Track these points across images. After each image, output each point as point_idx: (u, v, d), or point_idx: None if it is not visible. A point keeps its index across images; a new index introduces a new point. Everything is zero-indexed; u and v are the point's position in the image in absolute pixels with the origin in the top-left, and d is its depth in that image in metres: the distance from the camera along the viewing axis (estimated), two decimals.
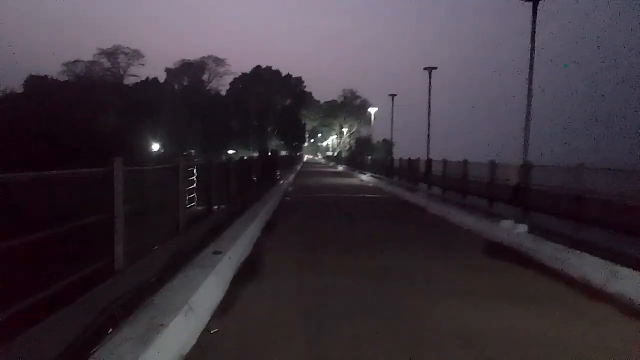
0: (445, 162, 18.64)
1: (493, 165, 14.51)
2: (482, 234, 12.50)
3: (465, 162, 16.58)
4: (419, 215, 16.76)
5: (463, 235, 12.71)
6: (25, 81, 79.76)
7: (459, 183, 17.10)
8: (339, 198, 22.95)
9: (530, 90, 13.28)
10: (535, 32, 13.33)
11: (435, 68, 24.81)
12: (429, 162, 21.26)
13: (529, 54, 13.51)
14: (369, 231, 13.10)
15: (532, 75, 13.34)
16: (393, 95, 36.89)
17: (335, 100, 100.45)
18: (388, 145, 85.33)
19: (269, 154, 24.49)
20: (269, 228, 13.18)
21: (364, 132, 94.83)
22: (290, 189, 28.25)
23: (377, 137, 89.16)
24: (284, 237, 11.94)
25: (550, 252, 9.05)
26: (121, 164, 5.62)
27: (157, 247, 7.15)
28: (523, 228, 11.29)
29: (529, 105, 13.27)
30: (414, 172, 23.06)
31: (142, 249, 6.54)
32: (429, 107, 24.72)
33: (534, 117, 14.15)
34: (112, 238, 5.55)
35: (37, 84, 77.47)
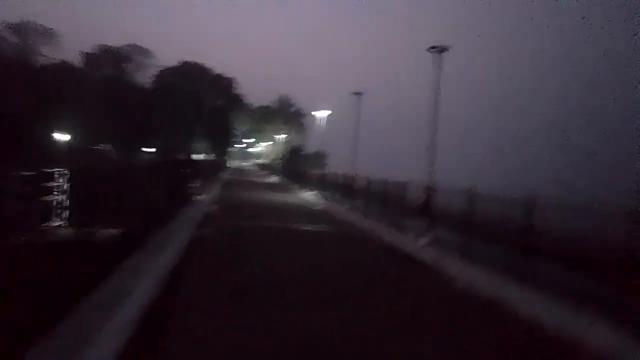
0: (470, 194, 10.71)
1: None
2: None
3: (532, 200, 8.78)
4: (438, 293, 8.66)
5: None
6: None
7: (508, 232, 9.30)
8: (287, 234, 14.47)
9: None
10: None
11: (446, 49, 15.89)
12: (430, 190, 12.96)
13: None
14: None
15: None
16: (357, 94, 27.24)
17: (269, 106, 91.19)
18: (320, 156, 78.32)
19: (180, 160, 15.26)
20: None
21: (296, 140, 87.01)
22: (213, 208, 19.14)
23: (307, 148, 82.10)
24: None
25: None
26: None
27: None
28: None
29: None
30: (398, 200, 15.04)
31: None
32: (437, 97, 15.31)
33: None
34: None
35: None
